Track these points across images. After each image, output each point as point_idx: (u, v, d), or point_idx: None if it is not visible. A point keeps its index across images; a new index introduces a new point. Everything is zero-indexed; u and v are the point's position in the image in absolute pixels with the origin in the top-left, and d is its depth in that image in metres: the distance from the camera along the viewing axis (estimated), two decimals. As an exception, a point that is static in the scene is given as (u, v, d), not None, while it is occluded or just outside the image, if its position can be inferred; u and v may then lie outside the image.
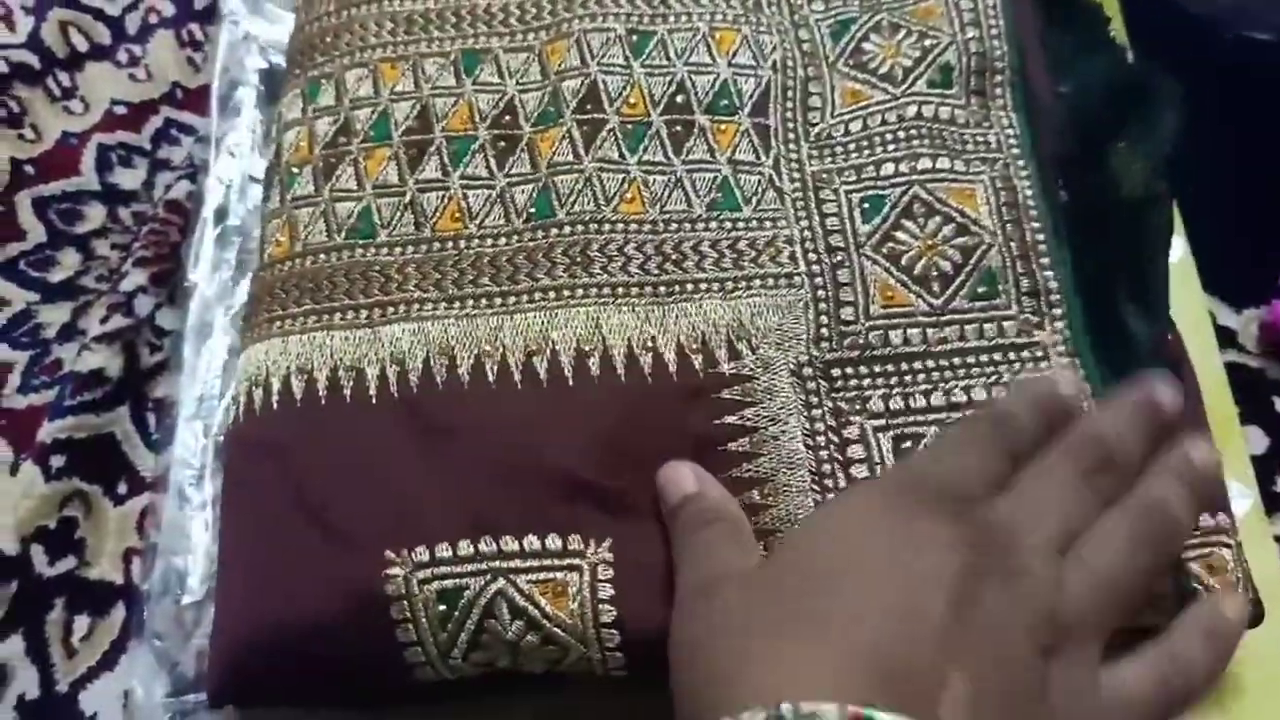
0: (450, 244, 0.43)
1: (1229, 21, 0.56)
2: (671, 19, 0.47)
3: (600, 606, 0.36)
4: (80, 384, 0.47)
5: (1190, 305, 0.46)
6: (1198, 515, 0.36)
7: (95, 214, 0.54)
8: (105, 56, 0.59)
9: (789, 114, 0.45)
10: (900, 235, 0.42)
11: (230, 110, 0.54)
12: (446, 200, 0.43)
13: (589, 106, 0.44)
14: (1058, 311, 0.40)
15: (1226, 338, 0.48)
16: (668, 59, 0.46)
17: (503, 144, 0.44)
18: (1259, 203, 0.52)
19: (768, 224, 0.42)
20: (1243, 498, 0.42)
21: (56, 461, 0.46)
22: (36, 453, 0.46)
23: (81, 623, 0.44)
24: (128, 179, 0.55)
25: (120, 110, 0.57)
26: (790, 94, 0.45)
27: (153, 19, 0.60)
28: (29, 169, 0.55)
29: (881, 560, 0.30)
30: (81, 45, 0.59)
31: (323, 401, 0.40)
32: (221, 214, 0.51)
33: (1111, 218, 0.43)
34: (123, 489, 0.47)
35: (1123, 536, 0.32)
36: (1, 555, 0.44)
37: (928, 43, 0.46)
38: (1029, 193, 0.42)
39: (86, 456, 0.46)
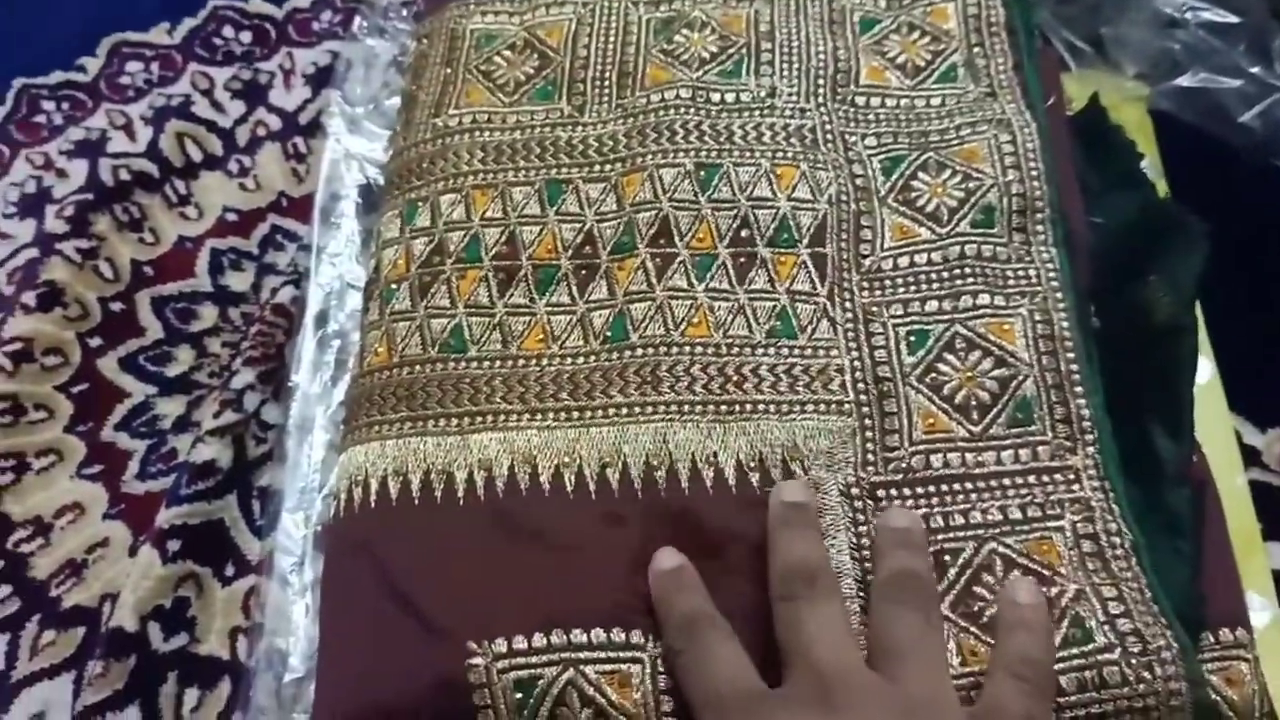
0: (534, 362, 0.47)
1: (1263, 151, 0.59)
2: (736, 154, 0.51)
3: (661, 696, 0.40)
4: (195, 474, 0.52)
5: (1216, 424, 0.50)
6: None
7: (208, 314, 0.60)
8: (218, 166, 0.65)
9: (843, 245, 0.49)
10: (942, 367, 0.46)
11: (330, 221, 0.59)
12: (532, 324, 0.48)
13: (661, 240, 0.49)
14: (1089, 437, 0.44)
15: (1251, 456, 0.51)
16: (733, 193, 0.50)
17: (584, 272, 0.49)
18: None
19: (821, 352, 0.46)
20: (1263, 610, 0.45)
21: (173, 546, 0.50)
22: (154, 537, 0.50)
23: (191, 695, 0.49)
24: (237, 281, 0.61)
25: (231, 217, 0.63)
26: (845, 226, 0.50)
27: (261, 132, 0.66)
28: (148, 270, 0.61)
29: None
30: (196, 155, 0.65)
31: (415, 502, 0.45)
32: (322, 318, 0.56)
33: (1141, 346, 0.47)
34: (230, 571, 0.51)
35: None
36: (123, 632, 0.48)
37: (971, 184, 0.50)
38: (1065, 324, 0.46)
39: (199, 541, 0.51)
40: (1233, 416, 0.51)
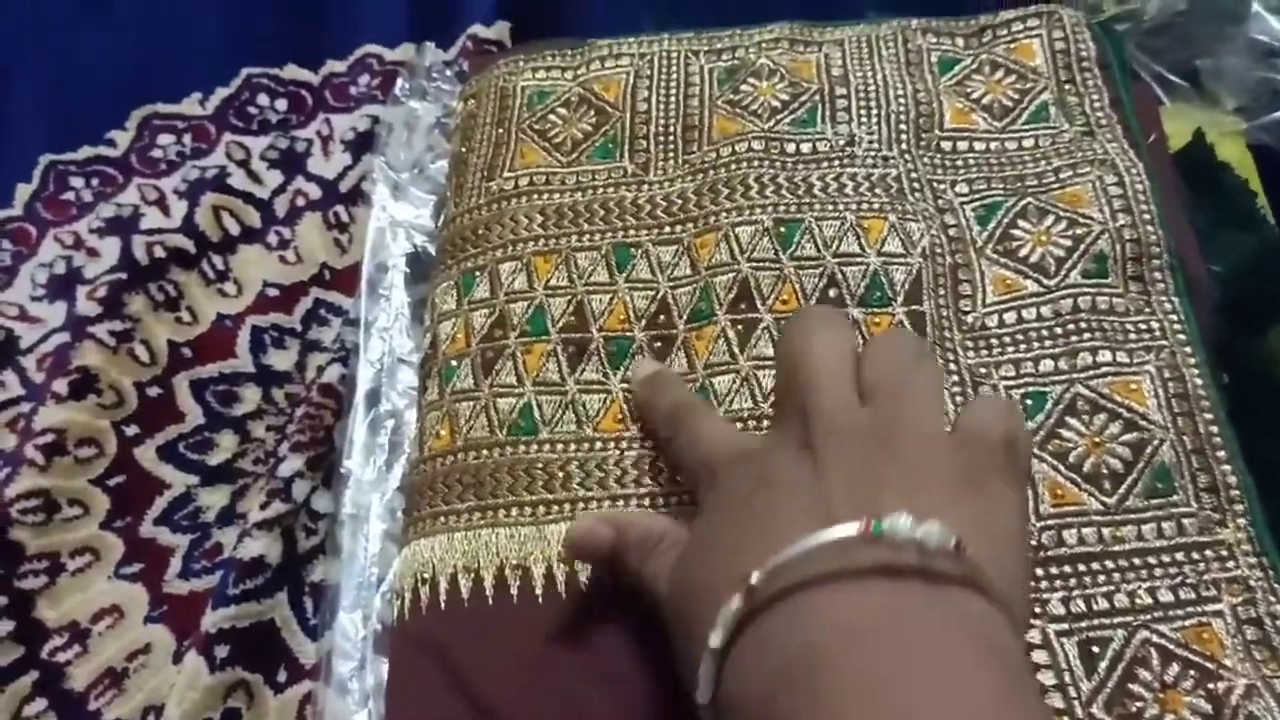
0: (612, 444, 0.43)
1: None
2: (818, 208, 0.48)
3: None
4: (243, 571, 0.48)
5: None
6: None
7: (251, 395, 0.56)
8: (256, 239, 0.61)
9: (942, 302, 0.45)
10: (1065, 433, 0.41)
11: (378, 293, 0.56)
12: (608, 403, 0.44)
13: (742, 305, 0.45)
14: (1239, 507, 0.40)
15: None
16: (817, 250, 0.46)
17: (659, 344, 0.45)
18: None
19: (929, 419, 0.42)
20: None
21: (220, 652, 0.46)
22: (201, 643, 0.46)
23: (246, 818, 0.44)
24: (281, 360, 0.57)
25: (272, 292, 0.59)
26: (942, 281, 0.46)
27: (300, 202, 0.62)
28: (186, 351, 0.57)
29: None
30: (234, 229, 0.61)
31: (490, 601, 0.41)
32: (373, 397, 0.52)
33: (1273, 401, 0.42)
34: (283, 677, 0.47)
35: None
36: (169, 750, 0.44)
37: (1079, 230, 0.46)
38: (1199, 381, 0.42)
39: (249, 645, 0.47)
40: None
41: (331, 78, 0.67)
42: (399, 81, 0.62)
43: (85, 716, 0.47)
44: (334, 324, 0.58)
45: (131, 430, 0.55)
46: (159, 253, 0.60)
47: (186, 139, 0.65)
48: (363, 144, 0.63)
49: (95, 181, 0.64)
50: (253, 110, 0.66)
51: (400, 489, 0.48)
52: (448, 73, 0.63)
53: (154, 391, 0.56)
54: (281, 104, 0.66)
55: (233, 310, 0.59)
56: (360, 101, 0.65)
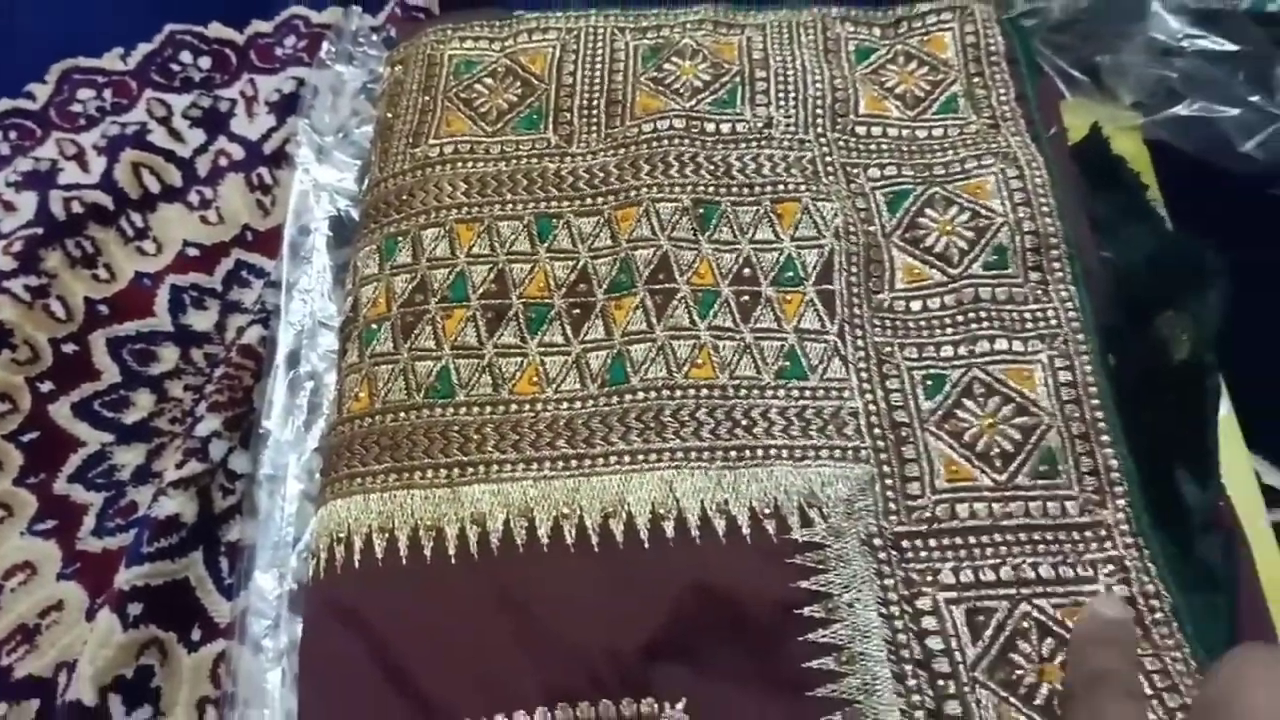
0: (527, 407, 0.44)
1: (1265, 180, 0.57)
2: (735, 190, 0.49)
3: (678, 774, 0.37)
4: (157, 530, 0.48)
5: (1236, 464, 0.48)
6: None
7: (169, 355, 0.56)
8: (177, 198, 0.61)
9: (853, 280, 0.47)
10: (961, 414, 0.44)
11: (300, 256, 0.56)
12: (525, 366, 0.45)
13: (661, 277, 0.46)
14: (1119, 489, 0.42)
15: (1272, 497, 0.50)
16: (733, 235, 0.48)
17: (578, 311, 0.46)
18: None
19: (834, 394, 0.44)
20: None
21: (134, 609, 0.46)
22: (115, 601, 0.46)
23: (157, 774, 0.45)
24: (200, 320, 0.57)
25: (193, 252, 0.59)
26: (855, 260, 0.47)
27: (223, 162, 0.62)
28: (103, 309, 0.57)
29: None
30: (154, 186, 0.61)
31: (404, 562, 0.42)
32: (293, 359, 0.53)
33: (1161, 386, 0.45)
34: (196, 635, 0.47)
35: None
36: (81, 706, 0.44)
37: (981, 222, 0.48)
38: (1088, 369, 0.44)
39: (162, 603, 0.47)
40: (1252, 456, 0.49)
41: (257, 38, 0.66)
42: (325, 45, 0.62)
43: (-5, 671, 0.47)
44: (255, 286, 0.58)
45: (46, 387, 0.55)
46: (77, 208, 0.59)
47: (107, 94, 0.64)
48: (287, 106, 0.63)
49: (13, 135, 0.63)
50: (175, 67, 0.65)
51: (318, 450, 0.49)
52: (375, 38, 0.63)
53: (69, 349, 0.56)
54: (205, 62, 0.65)
55: (152, 269, 0.59)
56: (286, 63, 0.65)
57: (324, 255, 0.56)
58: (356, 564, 0.42)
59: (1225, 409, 0.50)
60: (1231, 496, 0.44)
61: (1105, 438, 0.43)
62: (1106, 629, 0.33)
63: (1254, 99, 0.56)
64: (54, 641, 0.48)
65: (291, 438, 0.51)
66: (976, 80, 0.53)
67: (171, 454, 0.52)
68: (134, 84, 0.65)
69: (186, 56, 0.66)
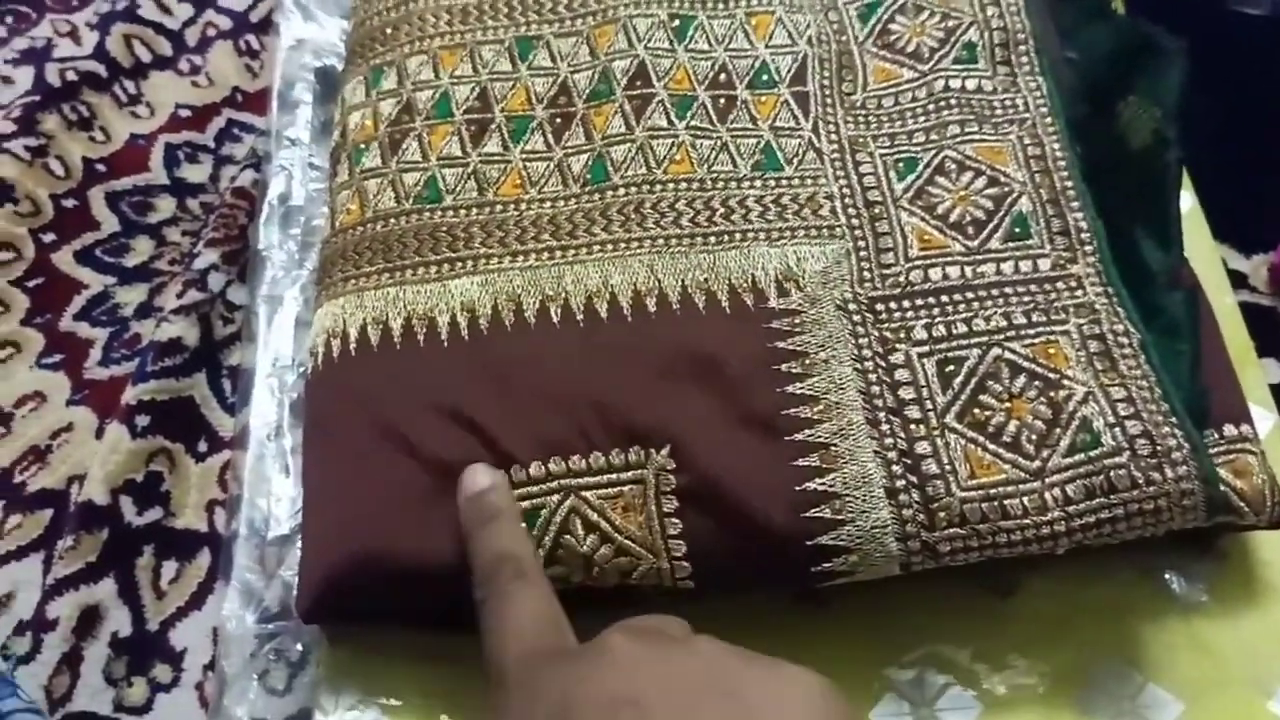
0: (512, 207, 0.46)
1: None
2: (710, 4, 0.50)
3: (666, 520, 0.39)
4: (160, 351, 0.50)
5: (1203, 252, 0.49)
6: None
7: (165, 205, 0.57)
8: (168, 66, 0.63)
9: (825, 83, 0.48)
10: (934, 190, 0.45)
11: (288, 105, 0.57)
12: (508, 171, 0.47)
13: (638, 83, 0.48)
14: (1089, 248, 0.43)
15: (1238, 280, 0.51)
16: (709, 45, 0.49)
17: (559, 120, 0.48)
18: (1262, 157, 0.55)
19: (809, 181, 0.45)
20: (1264, 420, 0.45)
21: (141, 421, 0.48)
22: (122, 414, 0.48)
23: (170, 568, 0.47)
24: (194, 173, 0.59)
25: (184, 113, 0.61)
26: (826, 65, 0.49)
27: (211, 32, 0.64)
28: (100, 167, 0.59)
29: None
30: (145, 56, 0.63)
31: (398, 347, 0.43)
32: (285, 198, 0.54)
33: (1125, 167, 0.46)
34: (203, 447, 0.49)
35: None
36: (92, 505, 0.46)
37: (951, 23, 0.49)
38: (1056, 147, 0.46)
39: (169, 417, 0.49)
40: (1217, 244, 0.51)
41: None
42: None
43: (10, 489, 0.49)
44: (246, 140, 0.60)
45: (48, 237, 0.56)
46: (71, 77, 0.61)
47: (98, -27, 0.66)
48: (273, -26, 0.65)
49: (9, 20, 0.65)
50: (163, -56, 0.66)
51: (316, 270, 0.50)
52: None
53: (70, 203, 0.57)
54: (192, -63, 0.67)
55: (146, 130, 0.60)
56: (270, -65, 0.66)
57: (309, 107, 0.57)
58: (353, 351, 0.43)
59: (1191, 202, 0.51)
60: (1199, 277, 0.46)
61: (1075, 203, 0.44)
62: (483, 504, 0.38)
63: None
64: (65, 459, 0.50)
65: (285, 267, 0.52)
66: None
67: (172, 287, 0.53)
68: (123, -39, 0.66)
69: (173, -67, 0.67)
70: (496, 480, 0.39)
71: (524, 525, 0.38)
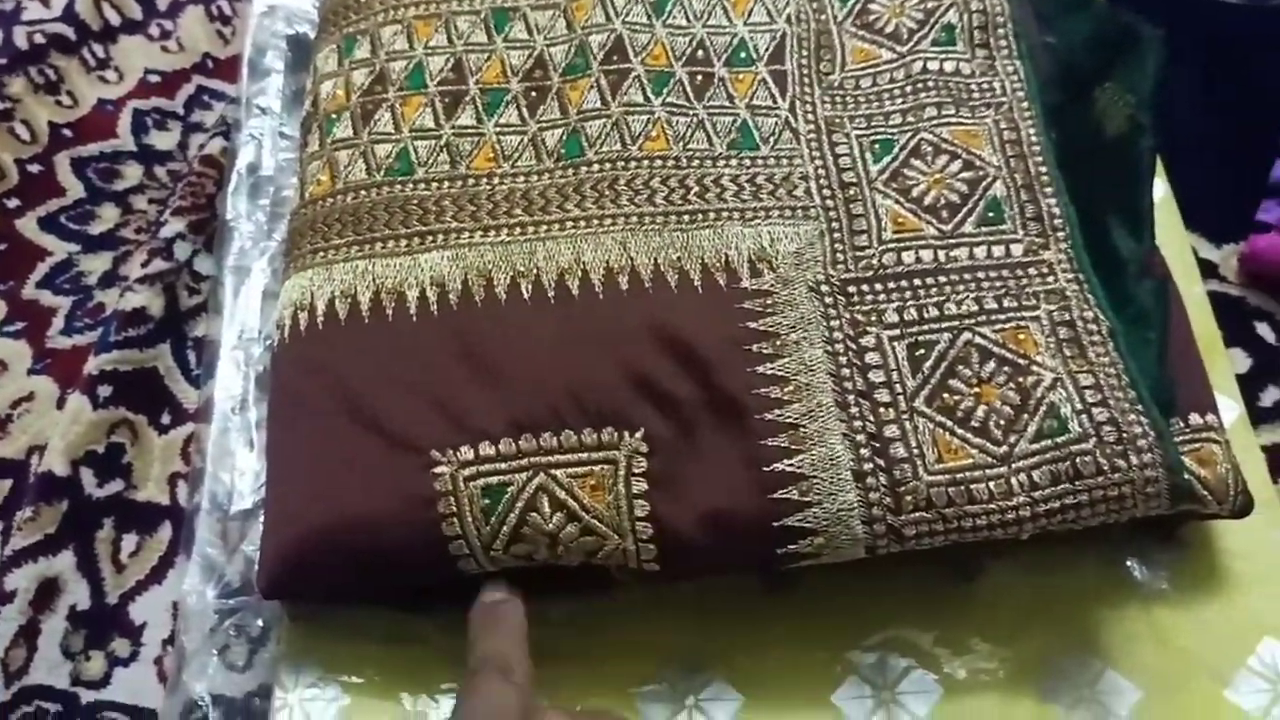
0: (484, 180, 0.45)
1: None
2: (688, -20, 0.50)
3: (635, 501, 0.39)
4: (124, 321, 0.49)
5: (1174, 241, 0.50)
6: None
7: (132, 173, 0.57)
8: (138, 30, 0.62)
9: (803, 62, 0.48)
10: (909, 172, 0.45)
11: (260, 73, 0.57)
12: (481, 144, 0.46)
13: (615, 58, 0.47)
14: (1061, 234, 0.43)
15: (1208, 270, 0.51)
16: (688, 21, 0.49)
17: (534, 94, 0.47)
18: (1235, 147, 0.55)
19: (784, 161, 0.45)
20: (1229, 410, 0.45)
21: (103, 391, 0.48)
22: (84, 384, 0.48)
23: (130, 540, 0.46)
24: (163, 140, 0.58)
25: (154, 79, 0.60)
26: (805, 44, 0.48)
27: (182, -3, 0.63)
28: (67, 132, 0.58)
29: None
30: (114, 19, 0.62)
31: (366, 320, 0.43)
32: (254, 167, 0.53)
33: (1100, 153, 0.46)
34: (166, 419, 0.49)
35: None
36: (52, 475, 0.45)
37: (930, 4, 0.49)
38: (1032, 132, 0.46)
39: (131, 388, 0.48)
40: (1188, 234, 0.51)
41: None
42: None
43: (-32, 458, 0.48)
44: (216, 108, 0.59)
45: (13, 203, 0.55)
46: (39, 39, 0.60)
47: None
48: (245, -61, 0.64)
49: (-26, -17, 0.63)
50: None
51: (284, 241, 0.50)
52: None
53: (35, 168, 0.57)
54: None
55: (114, 95, 0.59)
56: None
57: (281, 75, 0.57)
58: (320, 324, 0.43)
59: (1164, 191, 0.51)
60: (1170, 267, 0.46)
61: (1048, 189, 0.44)
62: (492, 612, 0.39)
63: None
64: (26, 428, 0.49)
65: (253, 237, 0.51)
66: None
67: (138, 256, 0.53)
68: (91, -77, 0.65)
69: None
70: (513, 596, 0.40)
71: (525, 641, 0.38)
